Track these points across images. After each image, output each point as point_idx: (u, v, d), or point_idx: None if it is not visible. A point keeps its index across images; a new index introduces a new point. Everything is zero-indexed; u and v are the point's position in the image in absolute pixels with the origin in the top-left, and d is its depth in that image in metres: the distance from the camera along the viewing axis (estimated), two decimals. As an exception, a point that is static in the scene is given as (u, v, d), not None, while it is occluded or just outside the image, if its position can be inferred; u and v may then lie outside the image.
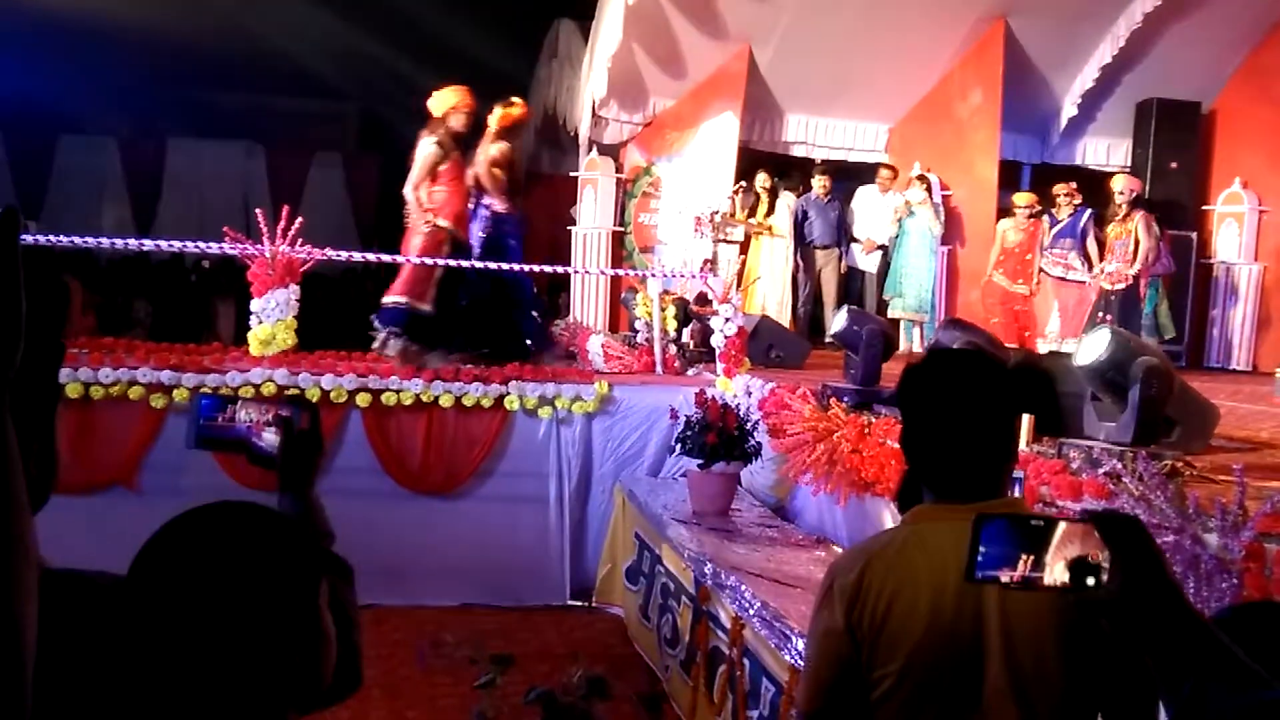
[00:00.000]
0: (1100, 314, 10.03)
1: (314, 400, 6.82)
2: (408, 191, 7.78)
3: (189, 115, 17.83)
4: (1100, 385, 5.12)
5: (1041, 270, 10.80)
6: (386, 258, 8.33)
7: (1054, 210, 10.77)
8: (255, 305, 7.68)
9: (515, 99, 8.47)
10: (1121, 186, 10.27)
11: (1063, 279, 10.71)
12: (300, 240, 7.70)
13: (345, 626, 1.85)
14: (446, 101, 7.80)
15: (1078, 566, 1.70)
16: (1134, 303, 10.16)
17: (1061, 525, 1.69)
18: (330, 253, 8.24)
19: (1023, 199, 11.18)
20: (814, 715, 2.17)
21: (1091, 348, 5.09)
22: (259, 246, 7.68)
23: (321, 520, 2.06)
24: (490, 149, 8.28)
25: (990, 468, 2.14)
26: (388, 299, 7.81)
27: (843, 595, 2.10)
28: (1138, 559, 1.55)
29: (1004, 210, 11.32)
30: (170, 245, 8.52)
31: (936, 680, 2.02)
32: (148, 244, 8.74)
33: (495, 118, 8.29)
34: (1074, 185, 10.91)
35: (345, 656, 1.82)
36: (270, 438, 2.07)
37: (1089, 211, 10.60)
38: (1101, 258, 10.36)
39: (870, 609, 2.06)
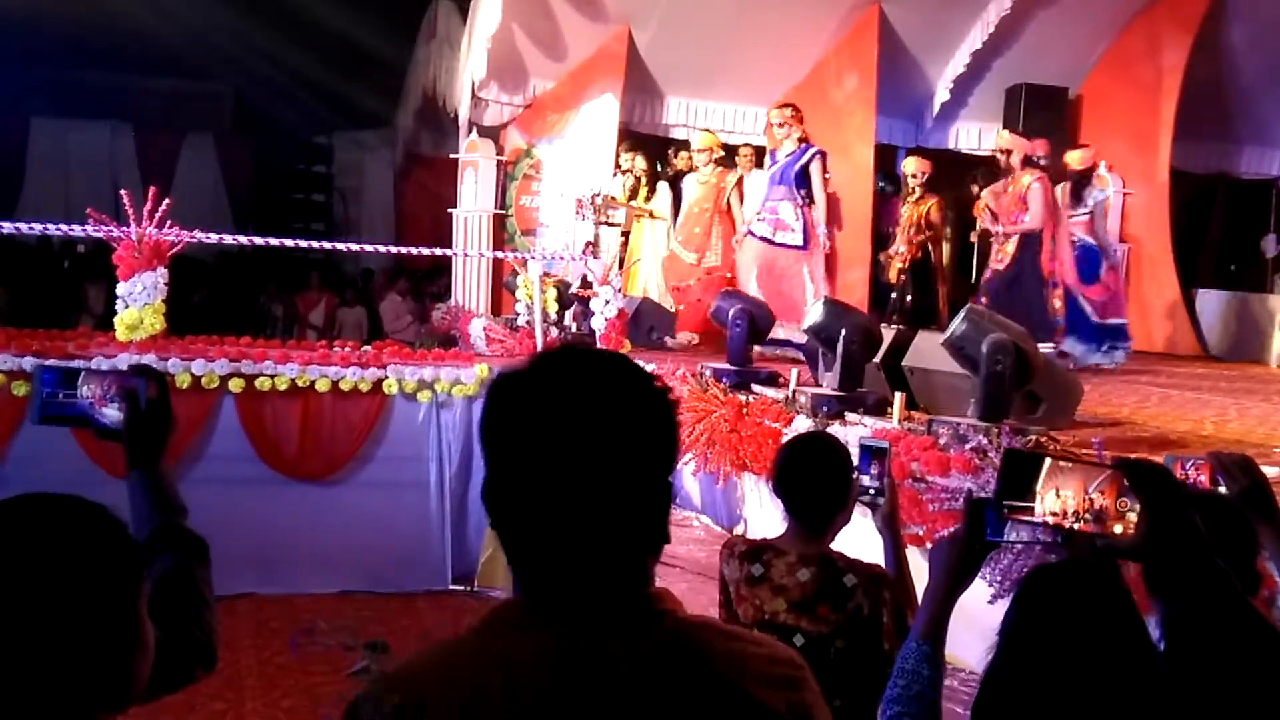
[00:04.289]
0: (907, 295, 10.08)
1: (183, 386, 6.66)
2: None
3: (54, 95, 17.20)
4: (961, 362, 5.26)
5: (749, 234, 9.46)
6: (259, 240, 8.15)
7: (772, 147, 9.44)
8: (121, 289, 7.44)
9: None
10: (914, 169, 10.44)
11: (769, 241, 9.26)
12: (169, 222, 7.50)
13: (198, 605, 1.83)
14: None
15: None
16: (926, 281, 10.17)
17: (1047, 461, 1.72)
18: (199, 235, 8.02)
19: (704, 140, 10.27)
20: None
21: (953, 325, 5.24)
22: (124, 229, 7.45)
23: (173, 495, 2.00)
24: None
25: None
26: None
27: None
28: (1165, 508, 1.59)
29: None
30: (31, 228, 8.22)
31: None
32: (6, 227, 8.40)
33: None
34: (798, 110, 9.35)
35: (200, 637, 1.79)
36: (112, 413, 2.01)
37: (815, 150, 9.40)
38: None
39: None
